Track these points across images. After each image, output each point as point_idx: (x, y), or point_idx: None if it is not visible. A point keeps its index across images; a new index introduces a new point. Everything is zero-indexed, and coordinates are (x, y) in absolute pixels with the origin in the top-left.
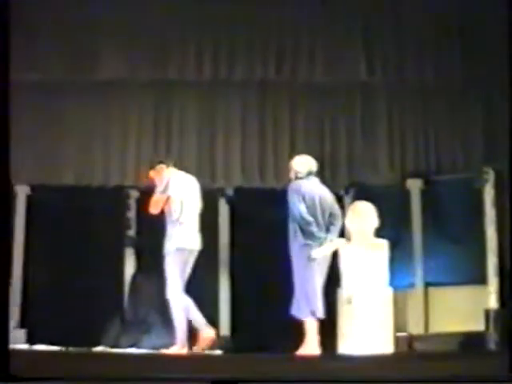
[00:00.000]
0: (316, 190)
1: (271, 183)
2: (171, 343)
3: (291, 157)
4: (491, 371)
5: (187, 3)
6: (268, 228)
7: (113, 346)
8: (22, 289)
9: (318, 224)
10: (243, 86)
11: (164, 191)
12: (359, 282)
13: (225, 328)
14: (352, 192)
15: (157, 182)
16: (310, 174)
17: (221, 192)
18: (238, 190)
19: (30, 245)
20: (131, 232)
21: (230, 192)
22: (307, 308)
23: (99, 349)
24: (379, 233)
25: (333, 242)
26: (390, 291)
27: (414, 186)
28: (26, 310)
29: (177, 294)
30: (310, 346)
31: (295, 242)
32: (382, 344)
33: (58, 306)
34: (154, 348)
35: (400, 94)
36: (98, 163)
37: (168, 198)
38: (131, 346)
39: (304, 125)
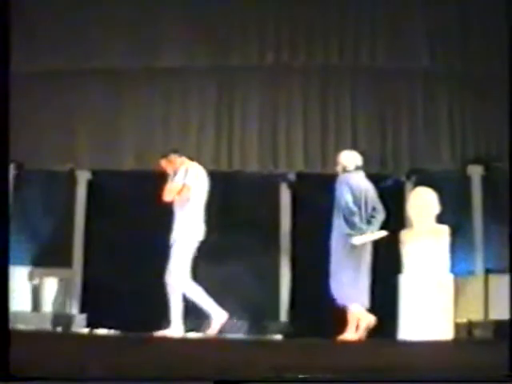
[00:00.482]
0: (362, 183)
1: (333, 169)
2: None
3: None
4: None
5: None
6: (329, 213)
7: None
8: (82, 274)
9: (360, 216)
10: (305, 72)
11: (182, 180)
12: (420, 267)
13: (285, 313)
14: (413, 178)
15: (169, 170)
16: (357, 168)
17: (282, 177)
18: (300, 175)
19: (91, 230)
20: None
21: (291, 177)
22: (349, 295)
23: (160, 333)
24: (440, 219)
25: (374, 234)
26: (450, 277)
27: (475, 172)
28: (86, 294)
29: (184, 280)
30: (352, 332)
31: (337, 231)
32: (442, 330)
33: (118, 290)
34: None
35: (462, 81)
36: (158, 148)
37: (184, 187)
38: (191, 331)
39: (365, 111)
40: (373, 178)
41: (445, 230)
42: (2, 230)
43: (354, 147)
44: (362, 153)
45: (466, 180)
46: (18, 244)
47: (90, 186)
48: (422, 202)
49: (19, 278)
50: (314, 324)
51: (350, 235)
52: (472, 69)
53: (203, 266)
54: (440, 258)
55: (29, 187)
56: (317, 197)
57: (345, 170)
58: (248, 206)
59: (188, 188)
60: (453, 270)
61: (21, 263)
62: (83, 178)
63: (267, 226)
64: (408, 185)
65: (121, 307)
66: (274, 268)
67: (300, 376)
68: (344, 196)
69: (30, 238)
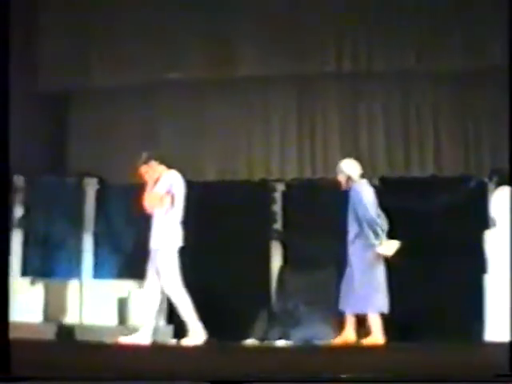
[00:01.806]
0: (371, 192)
1: (416, 172)
2: (321, 335)
3: (436, 143)
4: None
5: None
6: (415, 218)
7: (261, 339)
8: None
9: (379, 225)
10: (383, 77)
11: (168, 189)
12: (506, 267)
13: None
14: (495, 178)
15: (147, 177)
16: (361, 176)
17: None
18: (383, 180)
19: None
20: (277, 225)
21: (375, 182)
22: (375, 303)
23: (249, 342)
24: None
25: (392, 242)
26: None
27: None
28: (173, 305)
29: (180, 289)
30: (376, 337)
31: (359, 241)
32: None
33: (204, 300)
34: (303, 340)
35: None
36: (241, 159)
37: (168, 195)
38: (280, 339)
39: (447, 112)
40: (456, 179)
41: None
42: (4, 241)
43: (438, 150)
44: (444, 155)
45: None
46: (103, 257)
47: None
48: (505, 202)
49: (105, 291)
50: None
51: (374, 245)
52: None
53: (292, 272)
54: None
55: (111, 202)
56: (401, 200)
57: (350, 180)
58: (332, 213)
59: (173, 196)
60: None
61: (106, 276)
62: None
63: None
64: (490, 185)
65: (207, 316)
66: None
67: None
68: (366, 206)
69: (115, 251)
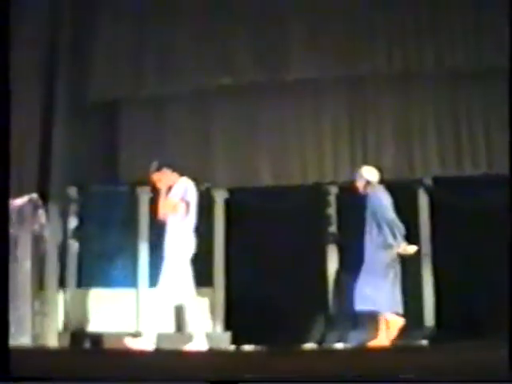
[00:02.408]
0: (389, 197)
1: (468, 171)
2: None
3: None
4: None
5: None
6: (469, 216)
7: (319, 343)
8: (225, 290)
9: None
10: (434, 76)
11: (182, 196)
12: None
13: (430, 319)
14: None
15: (160, 185)
16: (379, 182)
17: (419, 182)
18: (437, 180)
19: (230, 248)
20: (332, 228)
21: (428, 182)
22: (393, 304)
23: (307, 345)
24: None
25: (410, 246)
26: None
27: None
28: (230, 312)
29: (192, 296)
30: (384, 339)
31: (377, 242)
32: None
33: (261, 305)
34: (361, 343)
35: None
36: (294, 162)
37: (183, 203)
38: (338, 342)
39: (498, 111)
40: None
41: None
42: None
43: (488, 150)
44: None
45: None
46: (158, 266)
47: (227, 204)
48: None
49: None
50: (460, 329)
51: (391, 246)
52: None
53: (349, 275)
54: None
55: None
56: (455, 200)
57: (368, 184)
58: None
59: (187, 203)
60: None
61: None
62: (220, 196)
63: (408, 231)
64: None
65: (265, 321)
66: (416, 273)
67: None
68: (388, 209)
69: None
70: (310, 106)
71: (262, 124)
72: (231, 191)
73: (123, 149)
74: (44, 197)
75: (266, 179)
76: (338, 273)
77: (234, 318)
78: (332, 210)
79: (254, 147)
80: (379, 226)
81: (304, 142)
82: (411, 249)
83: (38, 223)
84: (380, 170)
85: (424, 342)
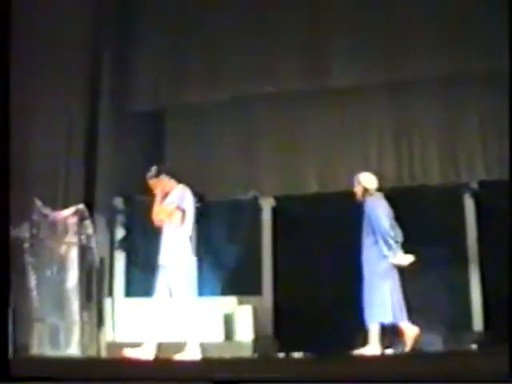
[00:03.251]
0: (385, 205)
1: None
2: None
3: None
4: None
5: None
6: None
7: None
8: (273, 299)
9: (393, 238)
10: (478, 81)
11: (179, 203)
12: None
13: (478, 323)
14: None
15: (157, 190)
16: (377, 189)
17: (465, 187)
18: (482, 183)
19: (278, 255)
20: None
21: (474, 186)
22: (397, 313)
23: (356, 351)
24: None
25: (406, 256)
26: None
27: None
28: (278, 319)
29: (190, 305)
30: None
31: (374, 252)
32: None
33: (308, 312)
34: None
35: None
36: (340, 169)
37: (179, 210)
38: (387, 348)
39: None
40: None
41: None
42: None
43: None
44: None
45: None
46: (206, 275)
47: (274, 212)
48: None
49: (209, 308)
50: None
51: (387, 257)
52: None
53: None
54: None
55: (211, 219)
56: (501, 204)
57: (366, 191)
58: (433, 219)
59: (183, 211)
60: None
61: (210, 294)
62: (267, 204)
63: (453, 237)
64: None
65: (312, 329)
66: (463, 281)
67: None
68: (383, 218)
69: (217, 268)
70: (354, 112)
71: (307, 131)
72: (278, 199)
73: (168, 158)
74: (90, 208)
75: (312, 186)
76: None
77: (283, 326)
78: None
79: (299, 155)
80: (374, 236)
81: (349, 148)
82: (407, 259)
83: (85, 234)
84: (426, 174)
85: (473, 347)
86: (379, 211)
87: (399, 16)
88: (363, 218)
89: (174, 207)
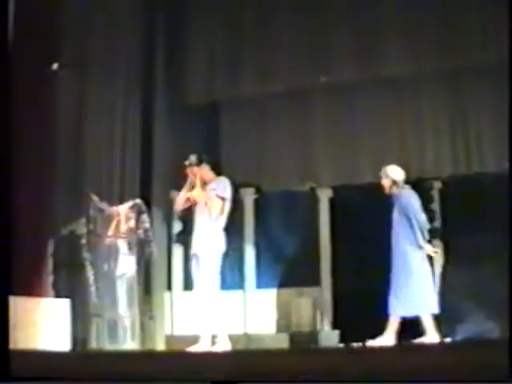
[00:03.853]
0: (417, 197)
1: None
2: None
3: None
4: None
5: None
6: None
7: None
8: (332, 291)
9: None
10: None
11: (222, 194)
12: None
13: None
14: None
15: (196, 178)
16: (405, 182)
17: None
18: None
19: (336, 246)
20: (437, 223)
21: None
22: (428, 304)
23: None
24: None
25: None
26: None
27: None
28: (337, 310)
29: (218, 297)
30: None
31: (409, 242)
32: None
33: (367, 302)
34: (468, 336)
35: None
36: (395, 158)
37: (224, 202)
38: (445, 337)
39: None
40: None
41: None
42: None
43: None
44: None
45: None
46: (264, 267)
47: (332, 202)
48: None
49: (267, 300)
50: None
51: (421, 247)
52: None
53: (450, 269)
54: None
55: (269, 210)
56: None
57: (394, 183)
58: (490, 206)
59: (224, 201)
60: None
61: (268, 286)
62: (325, 195)
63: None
64: None
65: (370, 320)
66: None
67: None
68: (420, 211)
69: (276, 260)
70: (409, 101)
71: (363, 121)
72: (335, 189)
73: (225, 151)
74: (147, 202)
75: (369, 176)
76: (444, 268)
77: (342, 316)
78: (436, 206)
79: (355, 145)
80: (411, 227)
81: (404, 137)
82: (436, 251)
83: (143, 228)
84: (483, 164)
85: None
86: (415, 203)
87: (451, 1)
88: (393, 210)
89: (215, 195)
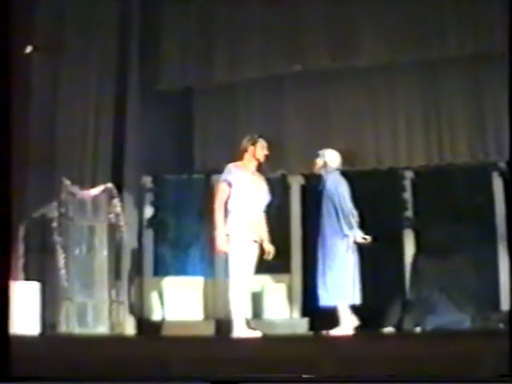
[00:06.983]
0: (346, 184)
1: None
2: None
3: None
4: None
5: None
6: None
7: (397, 327)
8: (302, 279)
9: (353, 217)
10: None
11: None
12: None
13: (505, 302)
14: None
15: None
16: (337, 168)
17: (494, 165)
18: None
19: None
20: (409, 213)
21: (502, 165)
22: (349, 294)
23: (387, 330)
24: None
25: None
26: None
27: None
28: (306, 299)
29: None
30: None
31: (336, 231)
32: None
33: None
34: (438, 327)
35: None
36: (369, 148)
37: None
38: (416, 326)
39: None
40: None
41: None
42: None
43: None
44: None
45: None
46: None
47: (303, 189)
48: None
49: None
50: None
51: (348, 236)
52: None
53: (425, 259)
54: None
55: None
56: None
57: (326, 166)
58: (462, 197)
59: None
60: None
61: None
62: (296, 182)
63: (482, 215)
64: None
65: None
66: (491, 256)
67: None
68: (345, 197)
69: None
70: (382, 91)
71: (335, 111)
72: (306, 177)
73: (197, 137)
74: (119, 186)
75: (342, 165)
76: (415, 257)
77: (311, 305)
78: (408, 195)
79: (326, 133)
80: (336, 214)
81: (378, 127)
82: (366, 238)
83: (114, 213)
84: (455, 153)
85: (501, 326)
86: (340, 189)
87: None
88: (322, 197)
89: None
